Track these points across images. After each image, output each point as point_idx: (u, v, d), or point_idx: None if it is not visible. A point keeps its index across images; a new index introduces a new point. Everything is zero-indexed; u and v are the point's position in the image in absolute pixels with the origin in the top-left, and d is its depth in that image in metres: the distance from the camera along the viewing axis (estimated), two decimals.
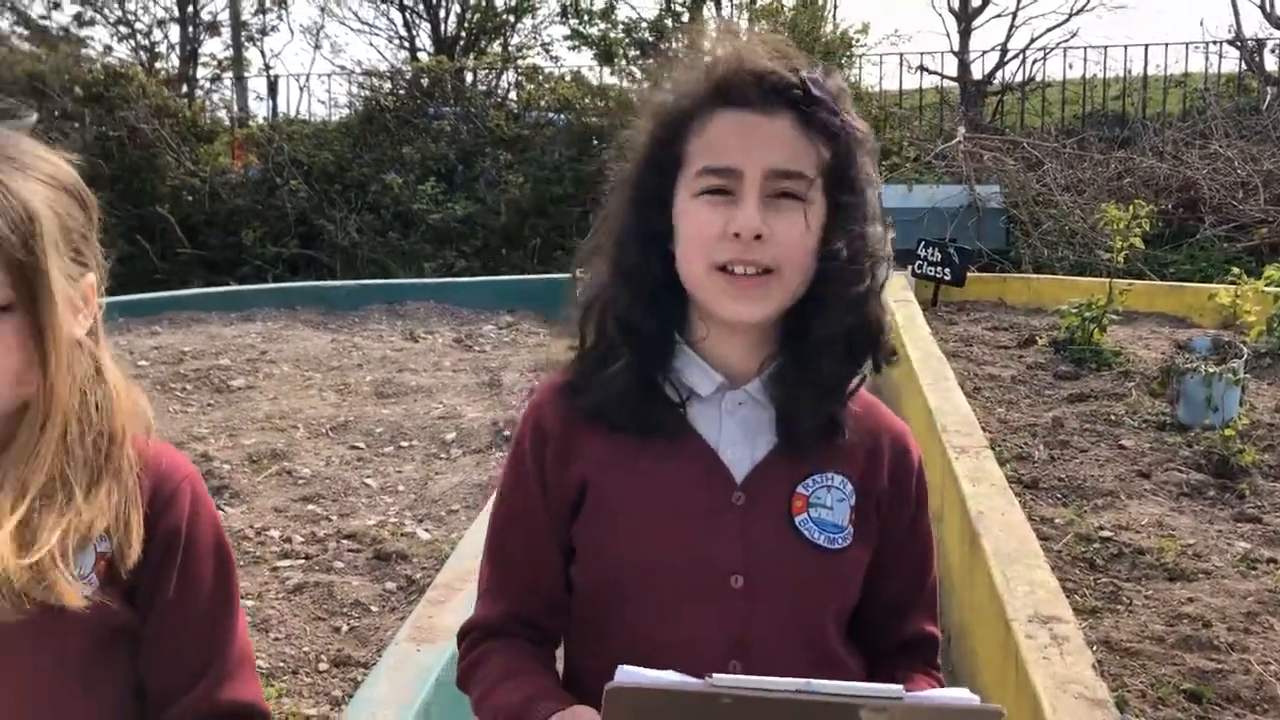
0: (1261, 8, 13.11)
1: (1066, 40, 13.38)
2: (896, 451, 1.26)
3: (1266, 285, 5.12)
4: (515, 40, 16.73)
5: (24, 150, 1.13)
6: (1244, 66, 12.99)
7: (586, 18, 14.09)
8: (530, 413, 1.28)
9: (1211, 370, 4.49)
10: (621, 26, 13.89)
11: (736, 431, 1.22)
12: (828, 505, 1.21)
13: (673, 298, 1.20)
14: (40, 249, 1.07)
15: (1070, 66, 13.49)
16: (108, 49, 17.53)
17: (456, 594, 2.96)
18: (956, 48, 13.92)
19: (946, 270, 7.23)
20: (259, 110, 14.96)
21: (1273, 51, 13.19)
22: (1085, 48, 13.60)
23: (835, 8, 13.58)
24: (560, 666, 1.32)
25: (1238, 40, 13.26)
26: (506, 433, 4.92)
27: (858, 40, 13.09)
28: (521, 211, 11.14)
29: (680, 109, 1.19)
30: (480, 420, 5.11)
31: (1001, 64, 13.50)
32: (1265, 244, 8.79)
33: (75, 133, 11.29)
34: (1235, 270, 5.49)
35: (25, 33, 17.03)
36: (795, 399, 1.19)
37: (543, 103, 12.53)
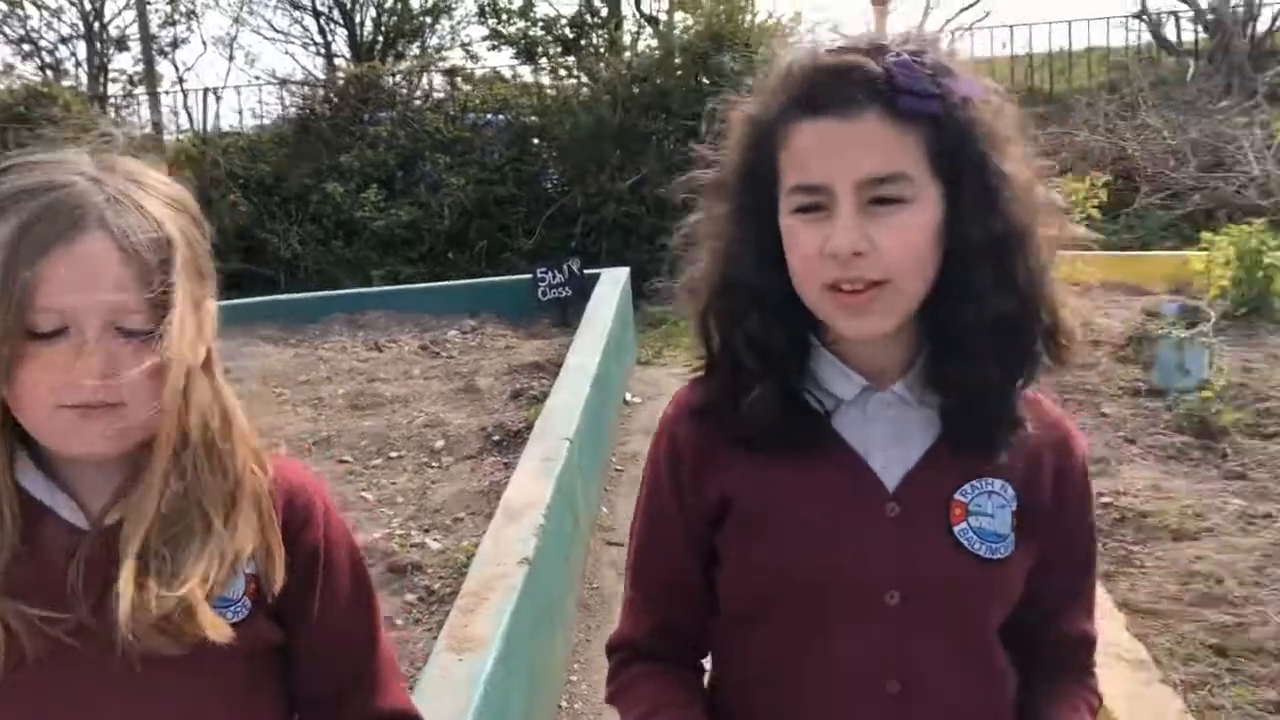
0: None
1: (981, 19, 13.67)
2: (1060, 449, 1.18)
3: (1232, 245, 5.27)
4: (433, 41, 16.59)
5: (144, 170, 1.09)
6: (1152, 39, 13.39)
7: (505, 17, 13.98)
8: (663, 433, 1.22)
9: (1183, 335, 4.63)
10: (541, 24, 13.80)
11: (886, 436, 1.14)
12: (988, 513, 1.13)
13: (798, 304, 1.11)
14: (175, 274, 1.05)
15: (1003, 46, 13.66)
16: (9, 67, 16.96)
17: (484, 601, 2.95)
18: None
19: None
20: (173, 125, 14.59)
21: (1179, 21, 13.62)
22: (1010, 26, 13.86)
23: None
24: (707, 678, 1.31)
25: (1144, 14, 13.67)
26: (496, 438, 4.89)
27: (790, 29, 13.18)
28: (466, 214, 11.06)
29: (765, 122, 1.11)
30: (467, 426, 5.07)
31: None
32: (1200, 211, 9.06)
33: None
34: (1208, 236, 5.67)
35: None
36: (952, 396, 1.11)
37: (477, 103, 12.43)
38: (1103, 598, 2.82)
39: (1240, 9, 12.99)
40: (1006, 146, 1.09)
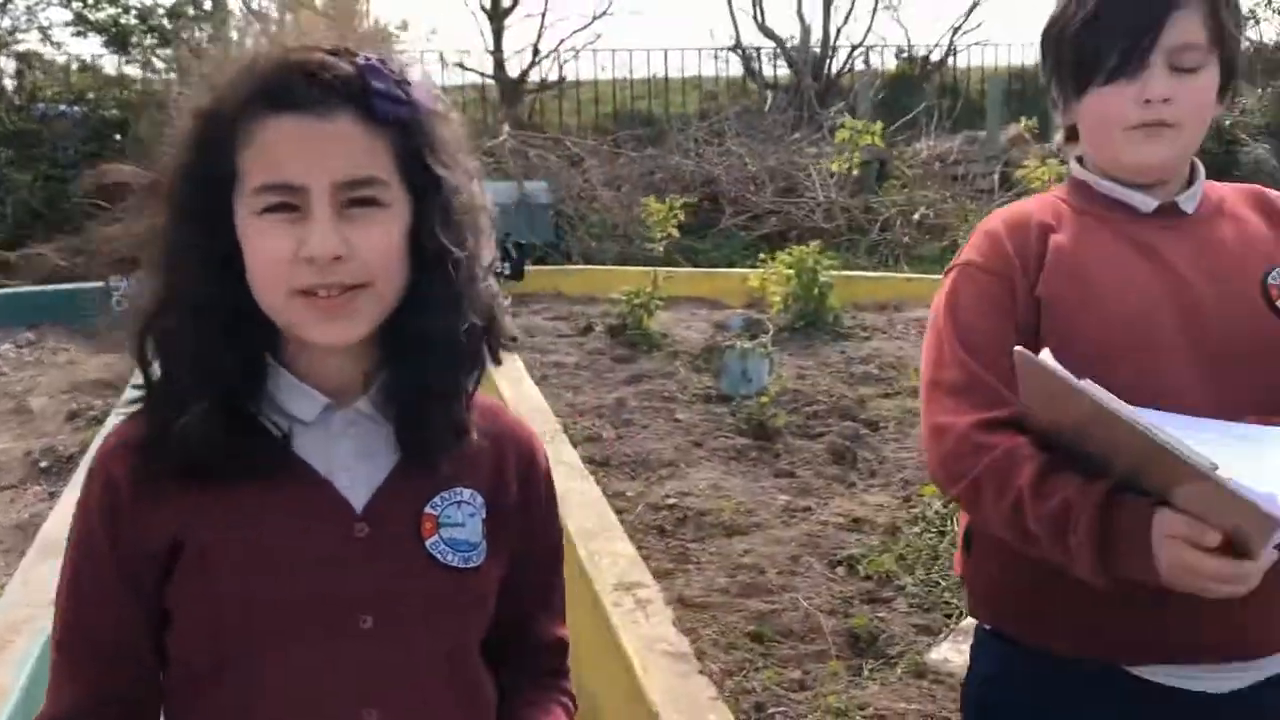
0: (754, 19, 14.83)
1: (592, 42, 14.30)
2: (523, 455, 1.21)
3: (786, 268, 5.82)
4: (5, 23, 14.83)
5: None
6: (745, 71, 14.65)
7: (93, 1, 12.79)
8: (96, 473, 1.10)
9: (745, 345, 5.02)
10: (135, 12, 12.77)
11: (352, 455, 1.11)
12: (459, 522, 1.13)
13: (251, 320, 1.05)
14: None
15: (602, 69, 14.30)
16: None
17: (8, 647, 2.66)
18: (491, 46, 14.35)
19: (506, 265, 7.48)
20: None
21: (769, 57, 15.01)
22: (612, 50, 14.56)
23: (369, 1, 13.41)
24: None
25: (739, 48, 14.93)
26: (44, 464, 4.40)
27: (396, 37, 13.05)
28: (33, 214, 9.94)
29: (221, 116, 1.03)
30: (10, 452, 4.53)
31: (535, 63, 14.13)
32: (775, 232, 9.95)
33: None
34: (762, 255, 6.20)
35: None
36: (411, 409, 1.10)
37: (50, 93, 11.24)
38: (655, 595, 2.98)
39: (816, 50, 14.49)
40: (458, 160, 1.10)
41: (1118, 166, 1.55)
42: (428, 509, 1.12)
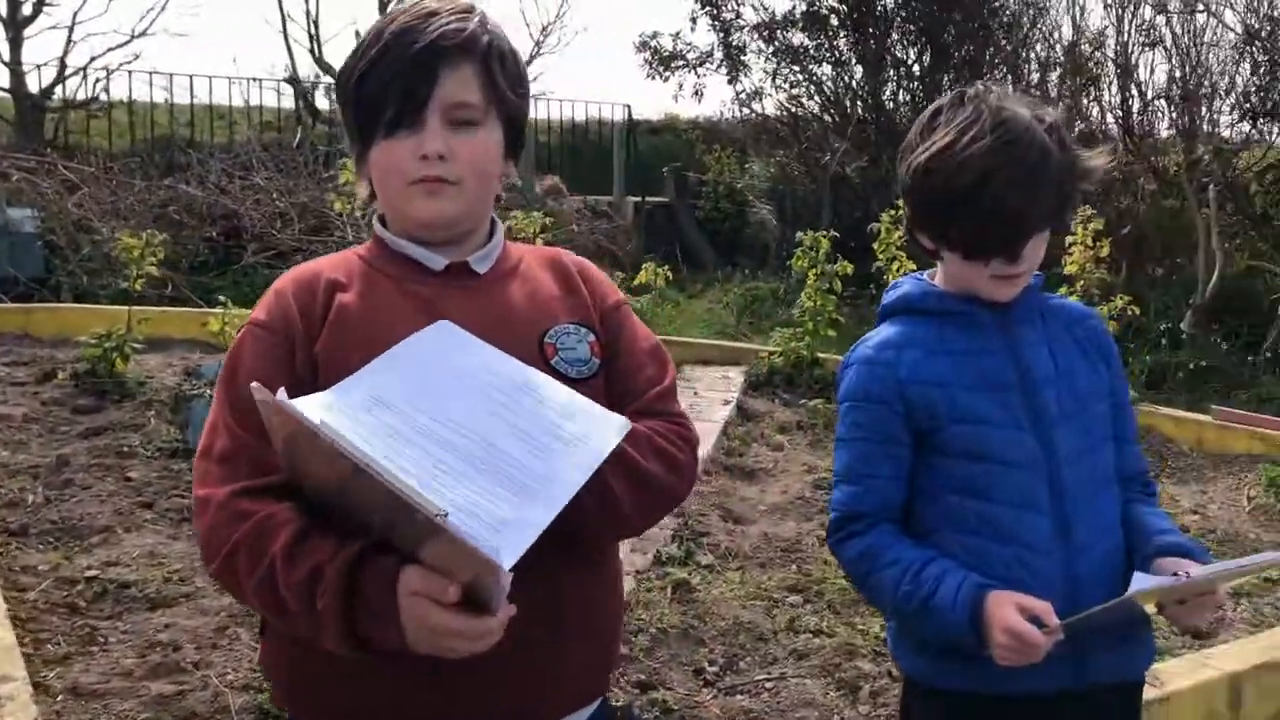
0: (312, 52, 14.31)
1: (129, 61, 13.06)
2: None
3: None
4: None
5: None
6: (300, 104, 14.07)
7: None
8: None
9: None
10: None
11: None
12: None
13: None
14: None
15: (153, 90, 13.02)
16: None
17: None
18: (8, 57, 12.66)
19: None
20: None
21: (325, 93, 14.52)
22: (152, 72, 13.31)
23: None
24: None
25: (294, 80, 14.32)
26: None
27: None
28: None
29: None
30: None
31: (61, 79, 12.65)
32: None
33: None
34: (222, 297, 5.83)
35: None
36: None
37: None
38: (21, 689, 2.59)
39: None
40: None
41: (406, 221, 1.50)
42: None
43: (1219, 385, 8.38)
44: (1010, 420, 1.65)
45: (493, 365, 1.34)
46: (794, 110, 13.17)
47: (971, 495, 1.65)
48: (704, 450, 5.16)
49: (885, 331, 1.75)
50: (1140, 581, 1.48)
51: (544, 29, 16.24)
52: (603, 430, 1.30)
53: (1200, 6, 9.57)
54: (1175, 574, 1.51)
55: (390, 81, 1.42)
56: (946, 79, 11.60)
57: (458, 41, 1.43)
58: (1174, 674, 2.91)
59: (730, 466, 5.12)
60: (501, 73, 1.49)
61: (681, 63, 13.83)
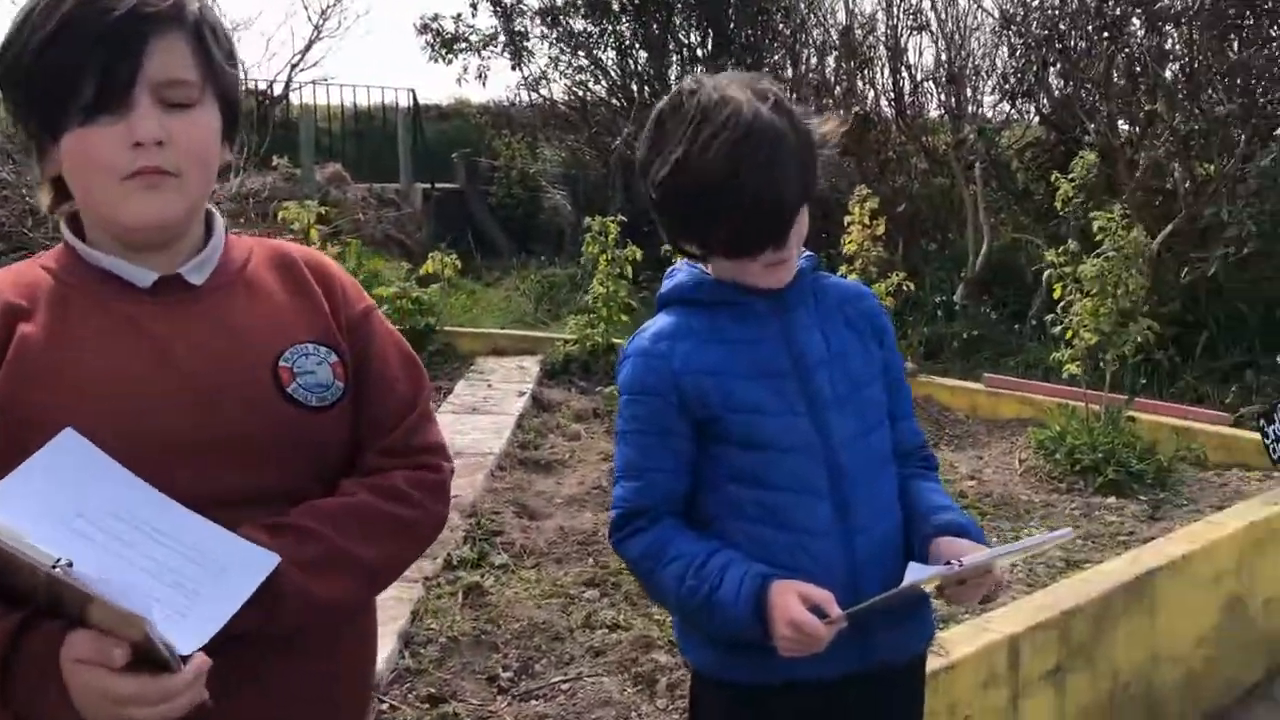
0: None
1: None
2: None
3: None
4: None
5: None
6: None
7: None
8: None
9: None
10: None
11: None
12: None
13: None
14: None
15: None
16: None
17: None
18: None
19: None
20: None
21: None
22: None
23: None
24: None
25: None
26: None
27: None
28: None
29: None
30: None
31: None
32: None
33: None
34: None
35: None
36: None
37: None
38: None
39: None
40: None
41: (114, 225, 1.27)
42: None
43: (990, 353, 8.85)
44: (785, 407, 1.63)
45: (119, 500, 1.13)
46: (581, 95, 13.12)
47: (750, 483, 1.62)
48: (498, 445, 5.03)
49: (660, 321, 1.70)
50: (914, 573, 1.50)
51: (323, 11, 15.63)
52: (243, 570, 1.14)
53: None
54: (949, 563, 1.53)
55: (85, 55, 1.19)
56: (729, 63, 11.78)
57: (164, 8, 1.22)
58: (956, 641, 2.98)
59: (525, 460, 5.01)
60: (215, 45, 1.29)
61: (465, 45, 13.54)
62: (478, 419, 5.36)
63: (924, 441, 1.84)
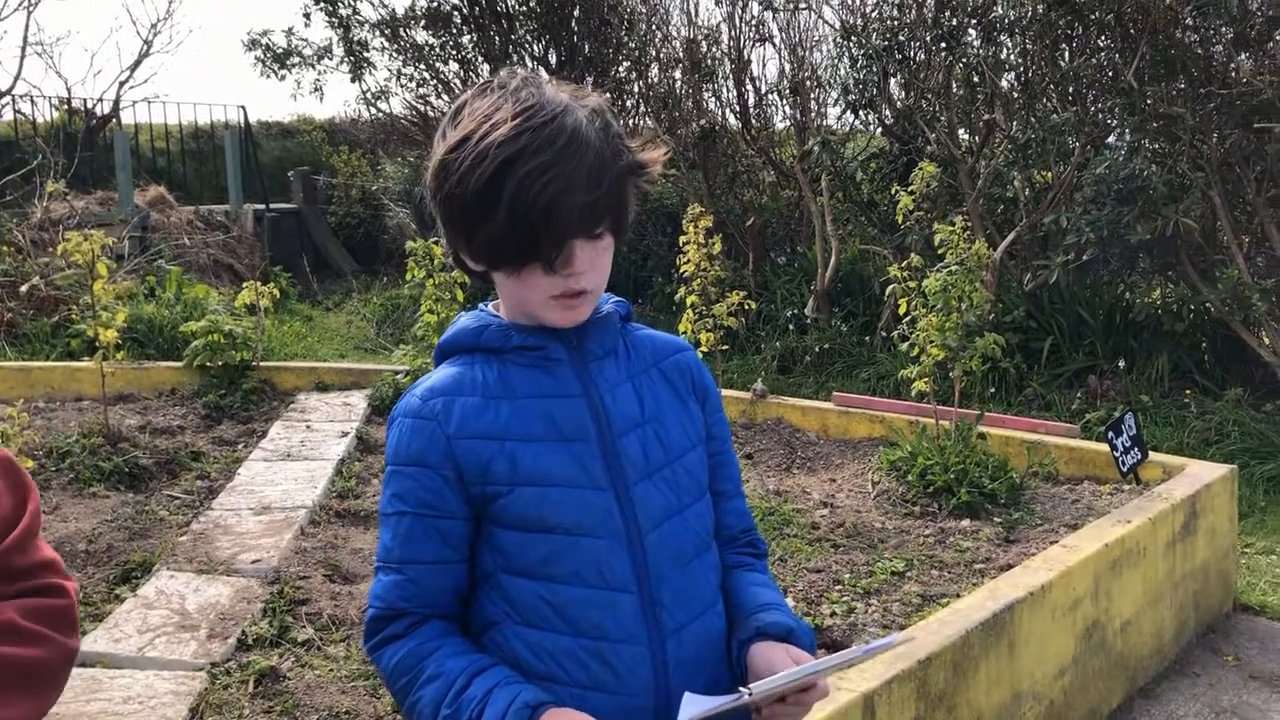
0: None
1: None
2: None
3: None
4: None
5: None
6: None
7: None
8: None
9: None
10: None
11: None
12: None
13: None
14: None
15: None
16: None
17: None
18: None
19: None
20: None
21: None
22: None
23: None
24: None
25: None
26: None
27: None
28: None
29: None
30: None
31: None
32: None
33: None
34: None
35: None
36: None
37: None
38: None
39: None
40: None
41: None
42: None
43: (843, 366, 8.74)
44: (583, 478, 1.33)
45: None
46: (422, 109, 12.62)
47: (536, 576, 1.31)
48: (312, 497, 4.56)
49: (437, 375, 1.39)
50: (690, 706, 1.19)
51: (153, 25, 14.74)
52: None
53: (804, 4, 9.97)
54: (738, 691, 1.24)
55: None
56: (574, 75, 11.48)
57: None
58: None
59: (343, 511, 4.55)
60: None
61: (297, 60, 12.88)
62: (291, 467, 4.86)
63: (752, 524, 1.56)
